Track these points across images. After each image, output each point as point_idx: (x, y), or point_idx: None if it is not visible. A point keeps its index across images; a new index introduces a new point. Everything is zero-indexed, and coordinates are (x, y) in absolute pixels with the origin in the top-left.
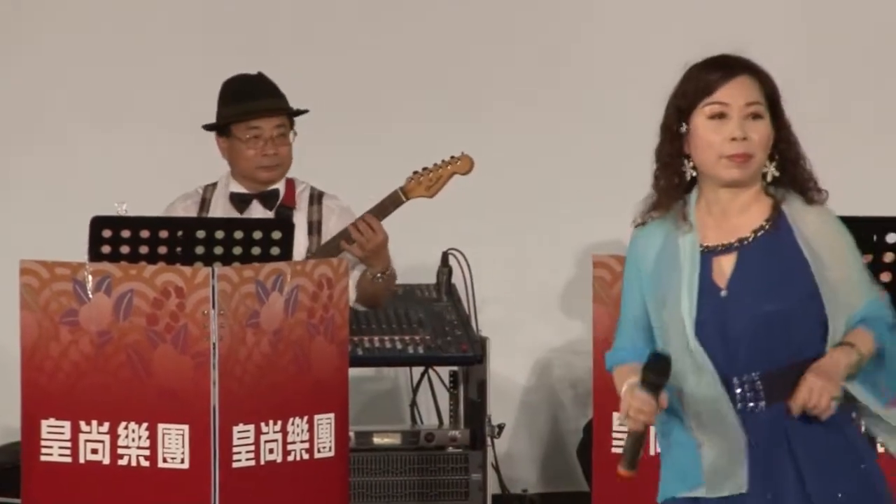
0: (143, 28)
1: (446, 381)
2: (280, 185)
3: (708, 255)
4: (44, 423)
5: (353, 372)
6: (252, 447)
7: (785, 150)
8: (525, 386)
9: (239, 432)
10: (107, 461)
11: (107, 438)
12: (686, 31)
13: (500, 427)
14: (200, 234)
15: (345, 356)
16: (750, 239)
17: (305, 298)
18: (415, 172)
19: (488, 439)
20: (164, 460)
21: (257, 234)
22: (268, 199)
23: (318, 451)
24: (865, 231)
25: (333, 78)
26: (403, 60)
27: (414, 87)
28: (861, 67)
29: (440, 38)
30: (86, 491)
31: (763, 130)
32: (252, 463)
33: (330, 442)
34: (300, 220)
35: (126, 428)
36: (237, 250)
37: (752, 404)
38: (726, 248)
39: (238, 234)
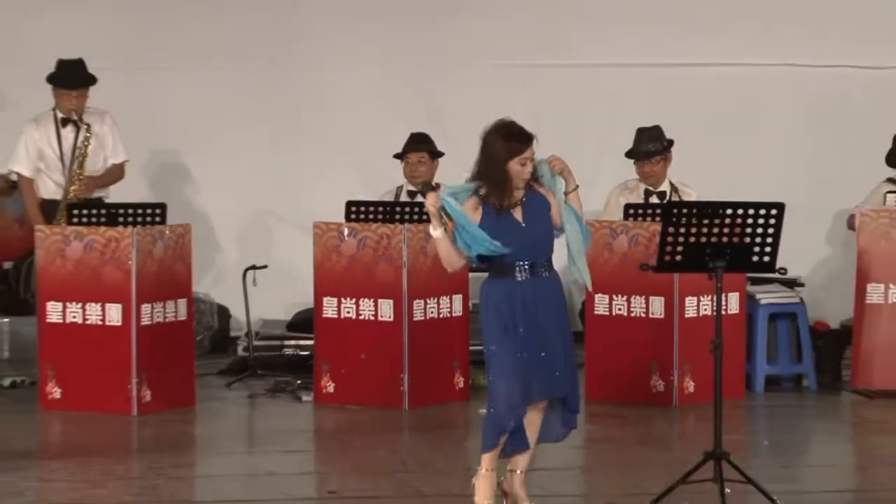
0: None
1: None
2: None
3: None
4: (324, 298)
5: None
6: (422, 308)
7: None
8: None
9: (417, 301)
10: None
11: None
12: None
13: None
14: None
15: None
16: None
17: None
18: None
19: None
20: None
21: None
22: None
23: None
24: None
25: None
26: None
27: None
28: None
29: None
30: (350, 339)
31: None
32: (424, 317)
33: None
34: None
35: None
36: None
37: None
38: None
39: None
